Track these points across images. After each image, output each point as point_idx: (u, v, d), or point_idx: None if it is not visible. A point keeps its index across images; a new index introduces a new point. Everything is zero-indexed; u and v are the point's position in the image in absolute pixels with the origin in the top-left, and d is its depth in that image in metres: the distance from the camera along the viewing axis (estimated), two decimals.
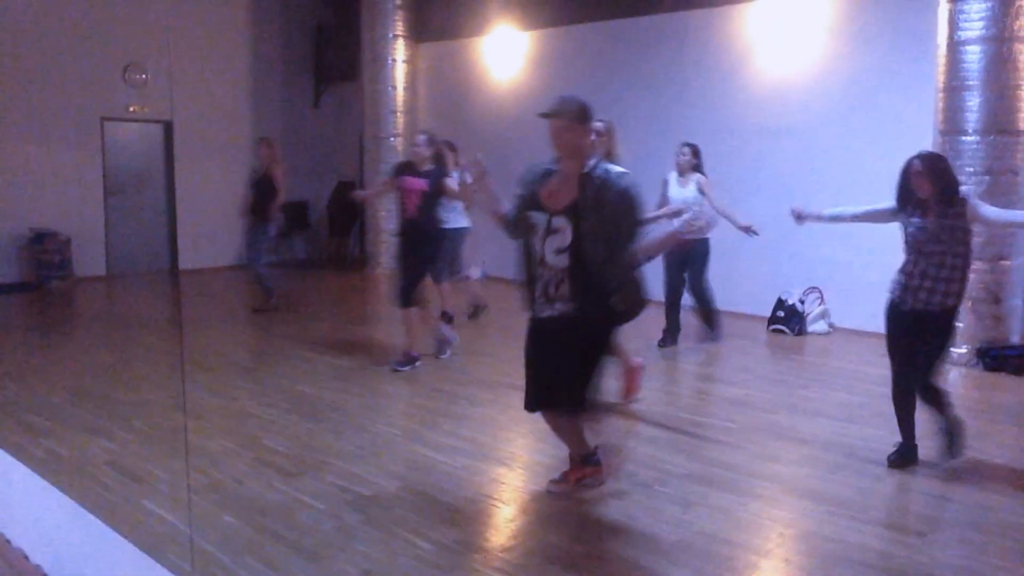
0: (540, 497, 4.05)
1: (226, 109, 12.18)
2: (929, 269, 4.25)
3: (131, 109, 11.25)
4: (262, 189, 8.54)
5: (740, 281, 8.40)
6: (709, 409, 5.70)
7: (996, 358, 6.55)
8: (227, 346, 7.40)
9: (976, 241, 6.30)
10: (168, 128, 11.63)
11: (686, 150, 6.90)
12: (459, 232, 7.56)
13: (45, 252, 10.39)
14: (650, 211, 6.54)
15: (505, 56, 10.84)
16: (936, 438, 4.47)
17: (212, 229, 11.68)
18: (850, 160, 7.78)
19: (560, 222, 3.62)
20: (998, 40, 6.34)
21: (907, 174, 4.32)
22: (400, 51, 11.43)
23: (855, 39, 7.89)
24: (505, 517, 3.91)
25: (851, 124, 7.88)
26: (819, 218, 4.88)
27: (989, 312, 6.63)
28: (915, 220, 4.29)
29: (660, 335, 7.20)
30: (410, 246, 6.41)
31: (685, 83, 9.05)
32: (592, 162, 3.70)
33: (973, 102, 6.45)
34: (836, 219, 4.89)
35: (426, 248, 6.44)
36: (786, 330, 7.92)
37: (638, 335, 6.28)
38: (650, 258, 3.76)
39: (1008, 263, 6.63)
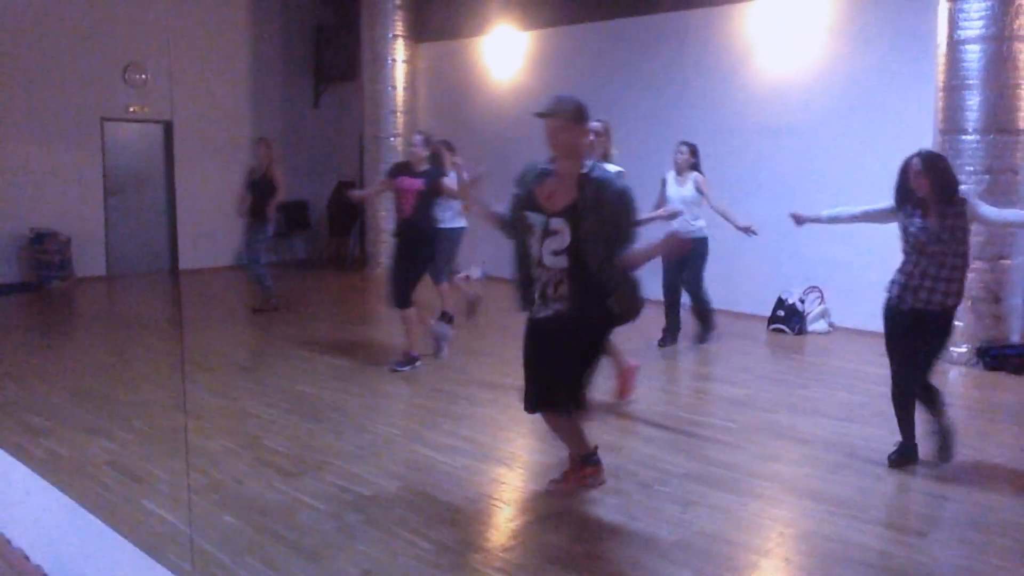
0: (540, 497, 4.05)
1: (226, 109, 12.18)
2: (930, 269, 4.25)
3: (131, 109, 11.25)
4: (261, 189, 8.54)
5: (740, 280, 8.41)
6: (709, 408, 5.70)
7: (996, 357, 6.55)
8: (227, 346, 7.40)
9: (976, 240, 6.33)
10: (168, 128, 11.64)
11: (684, 149, 6.92)
12: (456, 232, 7.56)
13: (45, 252, 10.40)
14: (648, 211, 6.58)
15: (505, 56, 10.84)
16: (932, 439, 4.48)
17: (212, 229, 11.68)
18: (850, 159, 7.78)
19: (558, 223, 3.60)
20: (998, 39, 6.34)
21: (906, 172, 4.32)
22: (400, 51, 11.43)
23: (855, 38, 7.89)
24: (505, 517, 3.91)
25: (851, 123, 7.88)
26: (817, 220, 4.89)
27: (989, 311, 6.63)
28: (916, 220, 4.29)
29: (660, 335, 7.20)
30: (407, 246, 6.40)
31: (685, 83, 9.04)
32: (589, 162, 3.68)
33: (973, 101, 6.45)
34: (834, 220, 4.89)
35: (423, 248, 6.43)
36: (786, 329, 7.92)
37: (638, 335, 6.29)
38: (649, 259, 3.73)
39: (1008, 262, 6.63)
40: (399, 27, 11.38)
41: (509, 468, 4.46)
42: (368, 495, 4.03)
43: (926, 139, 6.61)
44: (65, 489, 3.83)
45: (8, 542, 3.48)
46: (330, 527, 3.68)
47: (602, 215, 3.55)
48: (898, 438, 4.48)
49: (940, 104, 6.71)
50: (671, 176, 6.97)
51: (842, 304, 7.96)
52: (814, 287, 8.06)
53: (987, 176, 6.42)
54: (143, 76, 11.24)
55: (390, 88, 11.44)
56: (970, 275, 4.45)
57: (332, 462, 4.46)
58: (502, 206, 3.90)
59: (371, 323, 8.84)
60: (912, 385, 4.42)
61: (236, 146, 11.90)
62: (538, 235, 3.66)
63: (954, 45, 6.52)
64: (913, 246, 4.31)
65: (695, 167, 6.92)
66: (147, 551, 3.16)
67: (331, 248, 13.35)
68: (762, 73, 8.51)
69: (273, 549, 3.46)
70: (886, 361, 4.52)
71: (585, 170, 3.63)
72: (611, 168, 4.60)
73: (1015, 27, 6.32)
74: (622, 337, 4.51)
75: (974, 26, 6.39)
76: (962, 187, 4.42)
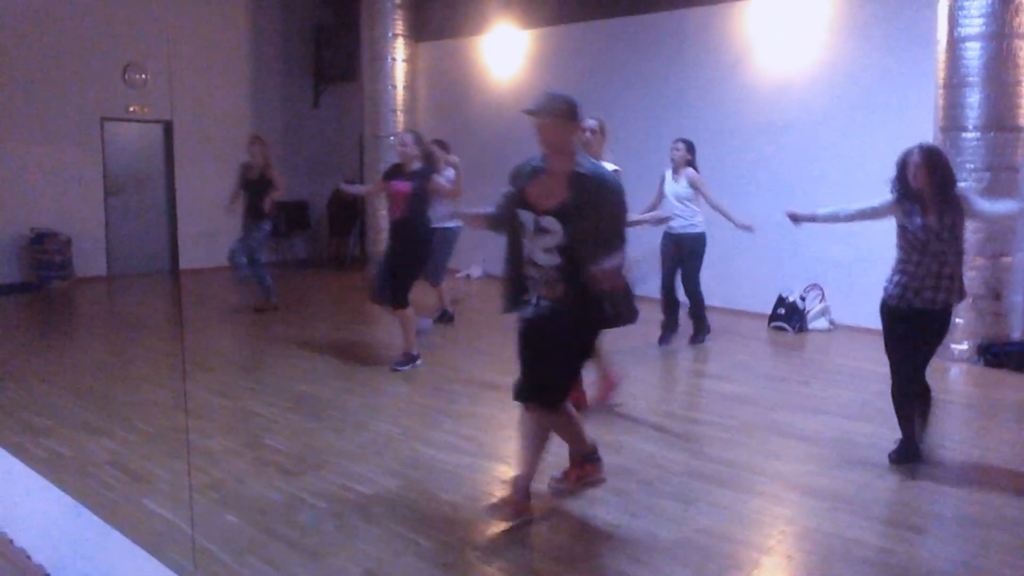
0: (540, 496, 4.05)
1: (226, 109, 12.18)
2: (933, 267, 4.25)
3: (131, 109, 11.25)
4: (257, 188, 8.53)
5: (741, 279, 8.41)
6: (710, 406, 5.70)
7: (997, 355, 6.55)
8: (227, 346, 7.41)
9: (977, 237, 6.34)
10: (168, 128, 11.64)
11: (680, 145, 6.96)
12: (450, 232, 7.55)
13: (45, 252, 10.40)
14: (645, 209, 6.58)
15: (505, 55, 10.84)
16: (926, 436, 4.50)
17: (212, 229, 11.64)
18: (850, 157, 7.78)
19: (550, 222, 3.55)
20: (998, 36, 6.34)
21: (905, 164, 4.31)
22: (400, 50, 11.42)
23: (855, 36, 7.88)
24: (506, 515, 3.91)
25: (851, 121, 7.88)
26: (813, 219, 4.86)
27: (990, 309, 6.63)
28: (916, 219, 4.27)
29: (659, 334, 7.20)
30: (398, 245, 6.35)
31: (685, 81, 9.04)
32: (582, 160, 3.63)
33: (973, 98, 6.45)
34: (831, 219, 4.86)
35: (416, 248, 6.37)
36: (787, 327, 7.92)
37: (638, 335, 6.28)
38: (619, 272, 3.63)
39: (1009, 259, 6.63)
40: (399, 26, 11.37)
41: (510, 466, 4.45)
42: (369, 494, 4.03)
43: (926, 137, 6.57)
44: (66, 488, 3.84)
45: (10, 541, 3.49)
46: (331, 526, 3.68)
47: (599, 213, 3.52)
48: (899, 435, 4.48)
49: (940, 102, 6.71)
50: (668, 173, 6.99)
51: (843, 302, 7.95)
52: (815, 285, 8.06)
53: (987, 173, 6.43)
54: (143, 76, 11.24)
55: (390, 87, 11.43)
56: (971, 272, 4.47)
57: (333, 461, 4.46)
58: (488, 207, 3.87)
59: (371, 323, 8.83)
60: (912, 383, 4.43)
61: (236, 146, 11.81)
62: (530, 233, 3.63)
63: (954, 42, 6.52)
64: (913, 245, 4.29)
65: (691, 163, 6.94)
66: (148, 550, 3.17)
67: (331, 248, 13.35)
68: (762, 71, 8.51)
69: (274, 548, 3.46)
70: (887, 359, 4.52)
71: (577, 168, 3.58)
72: (607, 166, 4.58)
73: (1015, 24, 6.32)
74: (622, 335, 4.51)
75: (974, 23, 6.39)
76: (958, 184, 4.43)
